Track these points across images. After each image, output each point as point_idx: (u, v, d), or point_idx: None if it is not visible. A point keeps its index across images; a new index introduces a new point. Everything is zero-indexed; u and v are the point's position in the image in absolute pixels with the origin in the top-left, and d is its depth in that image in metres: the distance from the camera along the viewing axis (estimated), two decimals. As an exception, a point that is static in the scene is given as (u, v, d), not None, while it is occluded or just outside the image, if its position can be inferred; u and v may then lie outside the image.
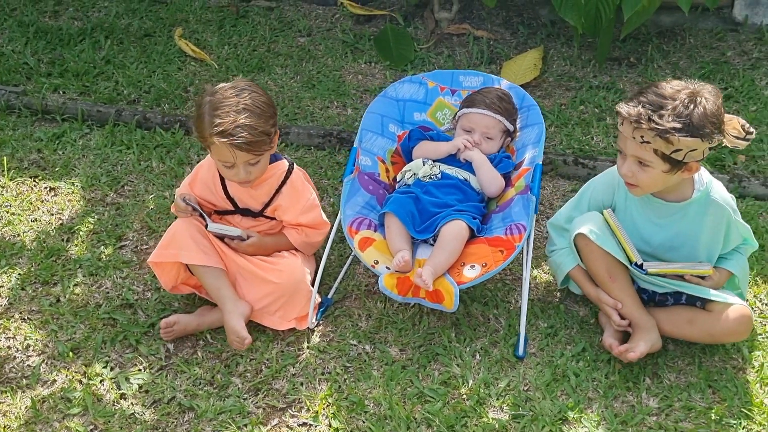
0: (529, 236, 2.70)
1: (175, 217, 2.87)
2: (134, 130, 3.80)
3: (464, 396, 2.56)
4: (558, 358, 2.67)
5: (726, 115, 2.45)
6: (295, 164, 2.85)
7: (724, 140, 2.44)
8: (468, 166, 2.91)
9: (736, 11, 4.37)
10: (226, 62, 4.30)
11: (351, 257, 3.05)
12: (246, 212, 2.85)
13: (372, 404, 2.54)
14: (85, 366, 2.70)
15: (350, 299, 2.93)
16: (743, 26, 4.36)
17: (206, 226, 2.75)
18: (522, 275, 2.91)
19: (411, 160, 3.01)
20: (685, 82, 2.49)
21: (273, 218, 2.86)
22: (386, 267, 2.69)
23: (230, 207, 2.85)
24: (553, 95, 3.97)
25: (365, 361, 2.68)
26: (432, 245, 2.77)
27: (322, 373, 2.65)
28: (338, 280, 2.95)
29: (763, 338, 2.71)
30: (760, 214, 3.20)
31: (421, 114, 3.12)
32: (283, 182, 2.80)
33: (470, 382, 2.59)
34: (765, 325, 2.76)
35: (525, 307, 2.68)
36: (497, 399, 2.54)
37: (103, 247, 3.16)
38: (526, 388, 2.58)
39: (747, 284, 2.72)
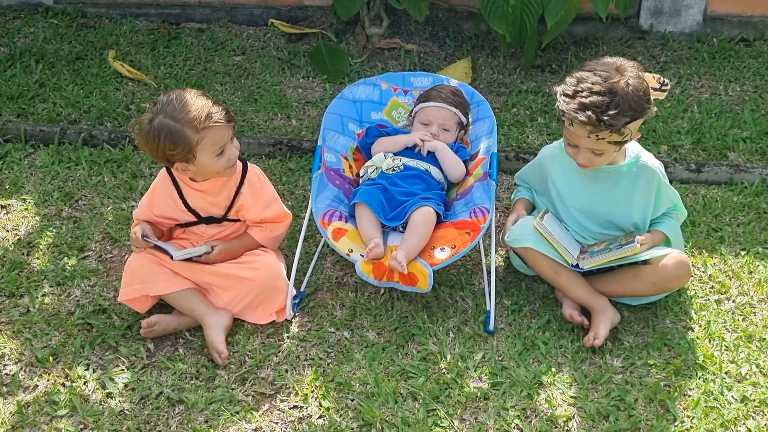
0: (491, 217, 2.89)
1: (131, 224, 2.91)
2: (81, 147, 3.81)
3: (444, 370, 2.70)
4: (526, 330, 2.85)
5: (644, 75, 2.71)
6: (248, 162, 2.94)
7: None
8: (429, 158, 3.08)
9: (642, 20, 4.74)
10: (164, 81, 4.35)
11: (318, 252, 3.16)
12: (210, 220, 2.91)
13: (358, 384, 2.65)
14: (67, 369, 2.71)
15: (322, 291, 3.04)
16: (649, 34, 4.73)
17: (171, 258, 2.77)
18: (481, 261, 3.10)
19: (370, 156, 3.16)
20: (600, 61, 2.71)
21: (237, 220, 2.93)
22: (360, 255, 2.81)
23: (193, 218, 2.90)
24: (486, 100, 4.20)
25: (345, 345, 2.79)
26: (402, 232, 2.92)
27: (306, 360, 2.74)
28: (308, 274, 3.06)
29: (704, 300, 2.96)
30: (686, 195, 3.49)
31: (377, 113, 3.28)
32: (241, 182, 2.88)
33: (448, 357, 2.74)
34: (704, 289, 3.02)
35: (494, 284, 2.85)
36: (475, 370, 2.69)
37: (66, 258, 3.17)
38: (500, 359, 2.74)
39: (682, 249, 2.97)
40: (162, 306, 2.89)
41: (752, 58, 4.52)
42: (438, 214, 2.90)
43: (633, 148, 2.87)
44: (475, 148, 3.13)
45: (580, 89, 2.68)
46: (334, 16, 4.75)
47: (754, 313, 2.92)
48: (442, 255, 2.79)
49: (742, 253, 3.18)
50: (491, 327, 2.82)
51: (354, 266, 2.80)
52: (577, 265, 2.80)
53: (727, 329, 2.85)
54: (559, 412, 2.55)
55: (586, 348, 2.77)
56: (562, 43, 4.66)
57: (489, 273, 3.06)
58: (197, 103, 2.66)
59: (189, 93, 2.69)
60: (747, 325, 2.86)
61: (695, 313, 2.91)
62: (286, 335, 2.83)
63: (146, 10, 4.93)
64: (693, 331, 2.85)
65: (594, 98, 2.62)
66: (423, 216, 2.85)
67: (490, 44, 4.68)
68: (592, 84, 2.66)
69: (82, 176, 3.62)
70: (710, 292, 3.01)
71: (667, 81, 2.71)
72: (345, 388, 2.63)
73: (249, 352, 2.77)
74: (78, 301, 2.97)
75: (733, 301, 2.96)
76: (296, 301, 2.91)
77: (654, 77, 2.70)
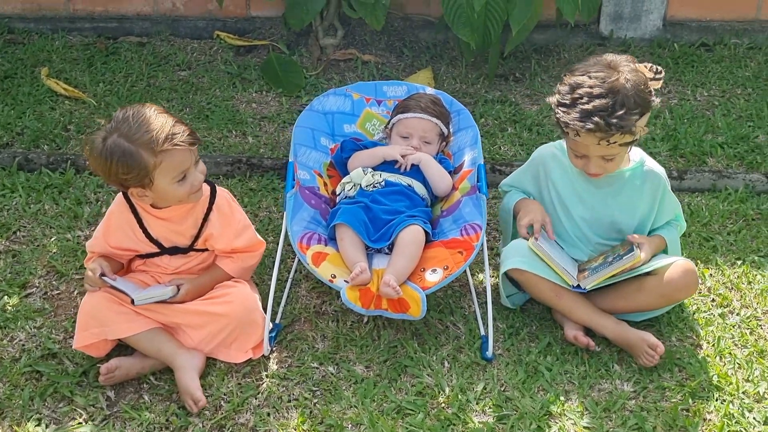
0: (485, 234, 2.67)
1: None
2: (16, 172, 3.45)
3: (443, 404, 2.46)
4: (526, 355, 2.63)
5: (638, 66, 2.54)
6: (216, 185, 2.66)
7: None
8: (411, 172, 2.84)
9: (602, 26, 4.62)
10: (104, 99, 4.02)
11: (291, 278, 2.89)
12: (174, 250, 2.61)
13: (350, 425, 2.39)
14: (15, 426, 2.37)
15: (300, 322, 2.76)
16: (609, 40, 4.61)
17: (132, 302, 2.46)
18: (468, 282, 2.87)
19: (346, 172, 2.91)
20: (589, 62, 2.53)
21: (205, 249, 2.64)
22: (344, 280, 2.55)
23: (155, 249, 2.60)
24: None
25: (332, 382, 2.52)
26: (387, 254, 2.68)
27: (289, 401, 2.46)
28: (283, 303, 2.78)
29: (708, 315, 2.80)
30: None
31: (350, 126, 3.04)
32: (209, 209, 2.59)
33: (446, 389, 2.49)
34: (706, 303, 2.86)
35: (490, 307, 2.62)
36: (477, 403, 2.46)
37: (6, 297, 2.81)
38: (503, 389, 2.51)
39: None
40: (121, 347, 2.57)
41: (715, 62, 4.44)
42: (426, 233, 2.66)
43: (636, 152, 2.70)
44: (459, 160, 2.91)
45: (578, 96, 2.48)
46: (284, 26, 4.49)
47: (761, 326, 2.76)
48: (434, 277, 2.55)
49: (738, 262, 3.03)
50: (489, 354, 2.59)
51: (335, 293, 2.55)
52: (578, 286, 2.59)
53: (736, 345, 2.68)
54: (574, 446, 2.33)
55: (592, 372, 2.56)
56: (522, 51, 4.50)
57: (479, 294, 2.84)
58: (157, 122, 2.36)
59: (149, 110, 2.39)
60: (756, 340, 2.70)
61: (701, 329, 2.73)
62: (264, 374, 2.55)
63: (80, 24, 4.58)
64: (702, 348, 2.67)
65: (597, 102, 2.43)
66: (411, 235, 2.61)
67: (448, 53, 4.49)
68: (590, 88, 2.47)
69: (19, 204, 3.27)
70: (712, 305, 2.85)
71: (660, 68, 2.54)
72: (337, 430, 2.36)
73: (225, 395, 2.47)
74: (23, 345, 2.63)
75: (738, 315, 2.80)
76: (272, 334, 2.63)
77: (646, 66, 2.53)
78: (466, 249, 2.59)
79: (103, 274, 2.47)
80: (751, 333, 2.73)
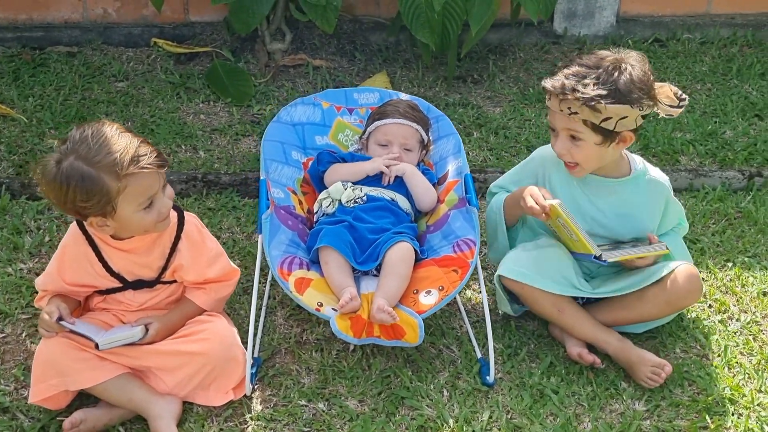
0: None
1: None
2: (-58, 201, 3.10)
3: (449, 438, 2.26)
4: (528, 377, 2.45)
5: (657, 83, 2.39)
6: (184, 210, 2.40)
7: (656, 108, 2.39)
8: (394, 185, 2.63)
9: (556, 24, 4.51)
10: (35, 115, 3.69)
11: (265, 307, 2.64)
12: (139, 284, 2.34)
13: (351, 469, 2.16)
14: (-33, 498, 2.06)
15: (280, 355, 2.52)
16: (564, 38, 4.51)
17: (96, 347, 2.19)
18: (456, 300, 2.69)
19: (322, 187, 2.68)
20: (611, 51, 2.41)
21: (173, 281, 2.38)
22: (332, 308, 2.33)
23: (117, 284, 2.32)
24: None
25: (324, 421, 2.29)
26: (375, 276, 2.46)
27: (279, 445, 2.22)
28: (259, 335, 2.53)
29: (708, 322, 2.68)
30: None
31: (322, 138, 2.81)
32: (177, 236, 2.33)
33: (450, 422, 2.29)
34: (704, 309, 2.75)
35: (490, 330, 2.43)
36: (485, 434, 2.27)
37: (-58, 344, 2.49)
38: (510, 417, 2.33)
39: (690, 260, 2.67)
40: (83, 395, 2.28)
41: (670, 58, 4.38)
42: (415, 251, 2.46)
43: (638, 161, 2.55)
44: (442, 171, 2.72)
45: (570, 64, 2.39)
46: (227, 32, 4.23)
47: (763, 332, 2.66)
48: (429, 300, 2.35)
49: (729, 264, 2.93)
50: (491, 379, 2.40)
51: (316, 319, 2.36)
52: (599, 257, 2.40)
53: (742, 353, 2.57)
54: (594, 475, 2.16)
55: (601, 392, 2.40)
56: (477, 52, 4.35)
57: (469, 313, 2.66)
58: (120, 141, 2.10)
59: (109, 128, 2.12)
60: (761, 346, 2.59)
61: (704, 338, 2.61)
62: (248, 416, 2.30)
63: (2, 35, 4.21)
64: (708, 359, 2.54)
65: (576, 69, 2.35)
66: (400, 253, 2.40)
67: (402, 56, 4.30)
68: (583, 59, 2.38)
69: (-51, 237, 2.93)
70: (711, 312, 2.73)
71: (685, 96, 2.39)
72: (336, 476, 2.13)
73: (206, 443, 2.22)
74: (-32, 400, 2.31)
75: (738, 320, 2.69)
76: (253, 370, 2.38)
77: (671, 89, 2.39)
78: (461, 267, 2.40)
79: (60, 318, 2.18)
80: (754, 339, 2.62)
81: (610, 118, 2.31)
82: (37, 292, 2.35)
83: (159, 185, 2.17)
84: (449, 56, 3.98)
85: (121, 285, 2.32)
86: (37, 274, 2.73)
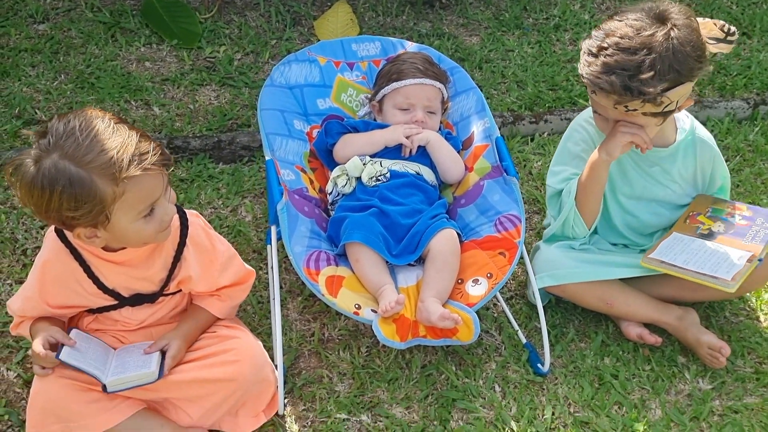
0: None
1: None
2: None
3: (514, 444, 2.03)
4: (582, 361, 2.24)
5: (698, 20, 2.10)
6: (185, 209, 2.00)
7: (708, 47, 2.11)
8: (416, 155, 2.30)
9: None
10: (-55, 73, 3.12)
11: (278, 304, 2.30)
12: (137, 300, 1.96)
13: (415, 494, 1.91)
14: None
15: (305, 357, 2.21)
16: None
17: (104, 389, 1.82)
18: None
19: (331, 161, 2.32)
20: (638, 6, 2.07)
21: (177, 291, 2.00)
22: (372, 310, 2.02)
23: (111, 301, 1.93)
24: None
25: (373, 437, 2.02)
26: (413, 265, 2.15)
27: (329, 473, 1.95)
28: (279, 341, 2.19)
29: (750, 278, 2.51)
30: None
31: (324, 101, 2.42)
32: (182, 242, 1.95)
33: (512, 424, 2.06)
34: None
35: (543, 317, 2.17)
36: (552, 435, 2.05)
37: None
38: (573, 410, 2.11)
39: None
40: (86, 434, 1.92)
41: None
42: (459, 235, 2.16)
43: (684, 118, 2.29)
44: (466, 133, 2.39)
45: (605, 45, 2.03)
46: (158, -42, 3.66)
47: (806, 283, 2.51)
48: (478, 290, 2.08)
49: (755, 208, 2.76)
50: (545, 368, 2.17)
51: (334, 310, 2.02)
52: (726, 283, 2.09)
53: (792, 311, 2.42)
54: (676, 471, 1.99)
55: (662, 371, 2.22)
56: (439, -29, 3.94)
57: (501, 290, 2.40)
58: (116, 137, 1.68)
59: (99, 119, 1.70)
60: (809, 301, 2.45)
61: (752, 296, 2.45)
62: (285, 439, 2.00)
63: None
64: (761, 321, 2.39)
65: (621, 57, 1.99)
66: (449, 245, 2.10)
67: (359, -21, 3.86)
68: (621, 38, 2.02)
69: None
70: (750, 265, 2.56)
71: (733, 29, 2.10)
72: (402, 505, 1.88)
73: (244, 479, 1.91)
74: (-56, 454, 1.92)
75: (778, 272, 2.53)
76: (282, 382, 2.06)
77: (716, 24, 2.09)
78: (509, 249, 2.12)
79: (57, 350, 1.80)
80: (800, 293, 2.48)
81: (672, 101, 2.03)
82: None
83: (162, 189, 1.77)
84: (418, -20, 3.59)
85: (116, 302, 1.94)
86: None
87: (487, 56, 3.46)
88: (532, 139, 3.06)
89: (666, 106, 2.04)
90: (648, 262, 2.17)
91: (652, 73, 1.98)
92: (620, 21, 2.06)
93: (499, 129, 2.87)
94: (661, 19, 2.04)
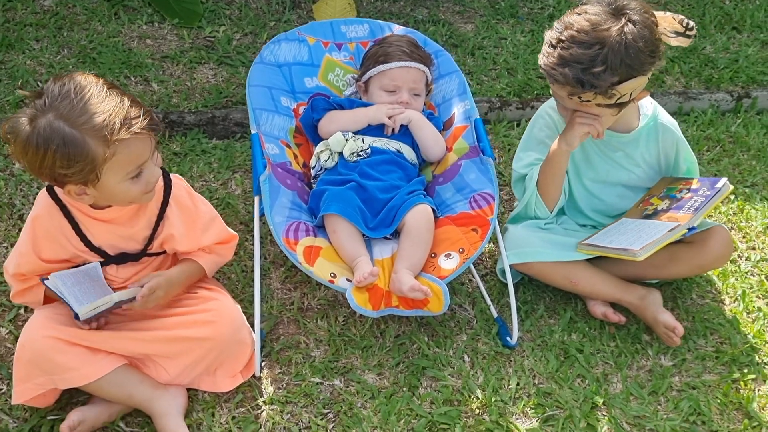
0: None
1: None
2: None
3: (478, 411, 2.12)
4: (549, 336, 2.33)
5: (658, 14, 2.17)
6: (170, 173, 2.10)
7: (667, 41, 2.18)
8: (398, 134, 2.39)
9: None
10: (-48, 43, 3.22)
11: (259, 269, 2.40)
12: (123, 258, 2.06)
13: (381, 454, 2.01)
14: None
15: (284, 324, 2.32)
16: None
17: (76, 317, 1.91)
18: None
19: (316, 137, 2.41)
20: (600, 1, 2.14)
21: (162, 252, 2.11)
22: (347, 279, 2.12)
23: (98, 258, 2.04)
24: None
25: (344, 400, 2.12)
26: (388, 239, 2.25)
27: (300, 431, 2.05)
28: (258, 305, 2.29)
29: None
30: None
31: (312, 79, 2.51)
32: (165, 202, 2.05)
33: (477, 392, 2.16)
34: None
35: (512, 292, 2.27)
36: (516, 404, 2.14)
37: None
38: (537, 382, 2.21)
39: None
40: (72, 389, 2.03)
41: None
42: (434, 210, 2.25)
43: (647, 104, 2.37)
44: (447, 114, 2.48)
45: (563, 38, 2.12)
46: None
47: (774, 270, 2.60)
48: (450, 264, 2.17)
49: (731, 197, 2.84)
50: (513, 341, 2.26)
51: (315, 281, 2.11)
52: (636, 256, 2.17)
53: (758, 296, 2.51)
54: (632, 442, 2.08)
55: (626, 348, 2.31)
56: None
57: (476, 265, 2.49)
58: (108, 101, 1.79)
59: (93, 84, 1.80)
60: (774, 287, 2.53)
61: (718, 281, 2.53)
62: (261, 400, 2.10)
63: None
64: (725, 304, 2.48)
65: (576, 50, 2.08)
66: (422, 219, 2.19)
67: (358, -36, 3.93)
68: (577, 32, 2.10)
69: None
70: (721, 251, 2.64)
71: (692, 23, 2.18)
72: (368, 464, 1.98)
73: (219, 435, 2.02)
74: (-63, 401, 2.03)
75: (748, 259, 2.63)
76: (260, 346, 2.17)
77: (675, 18, 2.16)
78: (481, 225, 2.22)
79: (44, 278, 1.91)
80: (767, 279, 2.56)
81: (625, 94, 2.11)
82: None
83: (150, 152, 1.88)
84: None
85: (102, 260, 2.04)
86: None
87: (480, 43, 3.54)
88: (518, 125, 3.14)
89: (618, 99, 2.12)
90: (582, 248, 2.28)
91: (603, 67, 2.06)
92: (579, 15, 2.14)
93: (486, 113, 2.99)
94: (617, 13, 2.11)
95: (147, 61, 3.24)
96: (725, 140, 3.11)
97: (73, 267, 2.01)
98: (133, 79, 3.17)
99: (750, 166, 2.99)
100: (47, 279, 1.93)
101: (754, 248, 2.67)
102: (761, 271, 2.58)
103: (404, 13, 3.70)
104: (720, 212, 2.78)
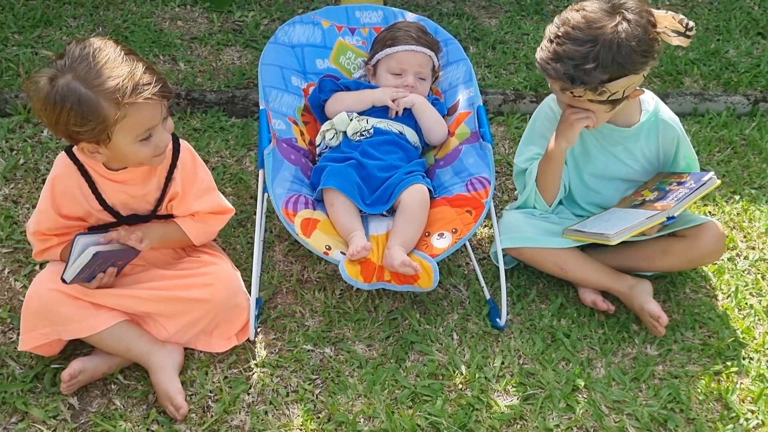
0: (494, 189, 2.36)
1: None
2: None
3: (461, 386, 2.20)
4: (538, 320, 2.39)
5: (657, 13, 2.20)
6: (179, 138, 2.22)
7: (668, 40, 2.22)
8: (402, 117, 2.47)
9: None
10: (-6, 18, 3.39)
11: (262, 242, 2.51)
12: (133, 219, 2.18)
13: (363, 419, 2.10)
14: (-39, 454, 1.95)
15: (282, 294, 2.41)
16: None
17: (63, 281, 2.01)
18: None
19: (324, 117, 2.51)
20: None
21: (169, 215, 2.22)
22: (341, 252, 2.21)
23: (111, 219, 2.16)
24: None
25: (332, 367, 2.21)
26: (384, 216, 2.34)
27: (287, 394, 2.14)
28: (256, 273, 2.39)
29: (719, 260, 2.63)
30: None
31: (323, 61, 2.61)
32: (173, 164, 2.17)
33: (462, 368, 2.23)
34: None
35: (503, 275, 2.34)
36: (498, 381, 2.21)
37: None
38: (522, 362, 2.27)
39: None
40: (75, 342, 2.15)
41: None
42: (429, 191, 2.33)
43: (649, 100, 2.42)
44: (452, 100, 2.56)
45: (559, 34, 2.18)
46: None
47: (771, 270, 2.62)
48: (442, 243, 2.25)
49: (736, 197, 2.87)
50: (502, 322, 2.33)
51: (317, 256, 2.18)
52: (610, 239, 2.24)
53: (751, 294, 2.53)
54: (609, 424, 2.13)
55: (613, 335, 2.36)
56: (469, -46, 4.09)
57: (475, 249, 2.56)
58: (124, 66, 1.90)
59: (112, 48, 1.92)
60: (769, 286, 2.56)
61: (714, 277, 2.56)
62: (253, 362, 2.21)
63: None
64: (718, 300, 2.51)
65: (569, 47, 2.13)
66: (417, 197, 2.27)
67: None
68: (572, 28, 2.15)
69: None
70: (719, 249, 2.67)
71: (692, 24, 2.21)
72: (349, 428, 2.07)
73: (211, 392, 2.13)
74: (-48, 345, 2.17)
75: (746, 258, 2.65)
76: (255, 313, 2.27)
77: (674, 17, 2.20)
78: (475, 207, 2.29)
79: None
80: (763, 278, 2.59)
81: (617, 91, 2.16)
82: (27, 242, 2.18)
83: (160, 118, 1.99)
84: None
85: (114, 220, 2.16)
86: (15, 202, 2.57)
87: (502, 38, 3.60)
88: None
89: (610, 96, 2.16)
90: (567, 234, 2.34)
91: (594, 64, 2.11)
92: (577, 12, 2.19)
93: (500, 105, 3.05)
94: (614, 11, 2.15)
95: (176, 42, 3.38)
96: (738, 142, 3.13)
97: (88, 230, 2.13)
98: (161, 57, 3.30)
99: (760, 168, 3.01)
100: (82, 234, 2.03)
101: (753, 248, 2.69)
102: (758, 270, 2.61)
103: (431, 5, 3.78)
104: (723, 212, 2.80)
